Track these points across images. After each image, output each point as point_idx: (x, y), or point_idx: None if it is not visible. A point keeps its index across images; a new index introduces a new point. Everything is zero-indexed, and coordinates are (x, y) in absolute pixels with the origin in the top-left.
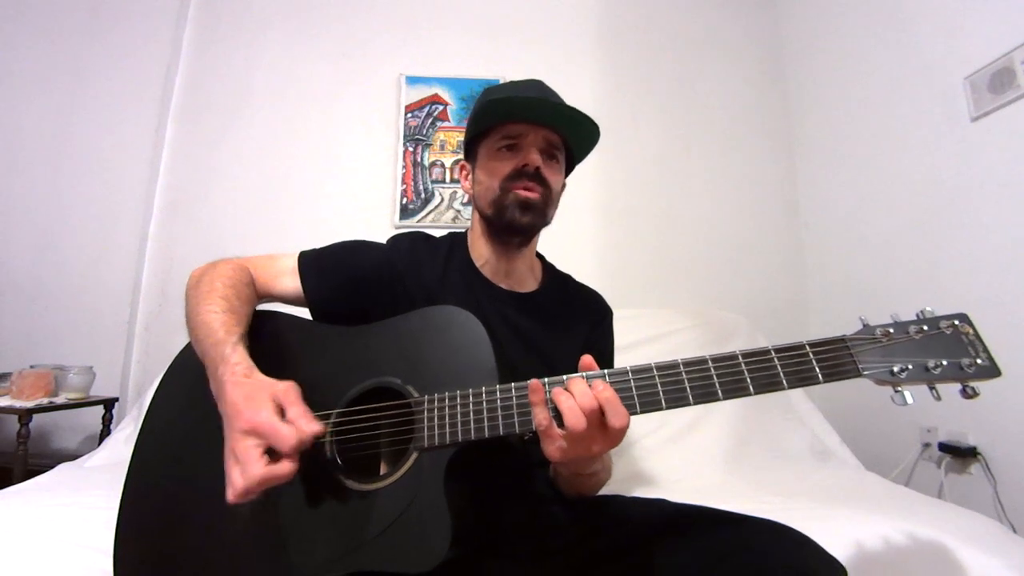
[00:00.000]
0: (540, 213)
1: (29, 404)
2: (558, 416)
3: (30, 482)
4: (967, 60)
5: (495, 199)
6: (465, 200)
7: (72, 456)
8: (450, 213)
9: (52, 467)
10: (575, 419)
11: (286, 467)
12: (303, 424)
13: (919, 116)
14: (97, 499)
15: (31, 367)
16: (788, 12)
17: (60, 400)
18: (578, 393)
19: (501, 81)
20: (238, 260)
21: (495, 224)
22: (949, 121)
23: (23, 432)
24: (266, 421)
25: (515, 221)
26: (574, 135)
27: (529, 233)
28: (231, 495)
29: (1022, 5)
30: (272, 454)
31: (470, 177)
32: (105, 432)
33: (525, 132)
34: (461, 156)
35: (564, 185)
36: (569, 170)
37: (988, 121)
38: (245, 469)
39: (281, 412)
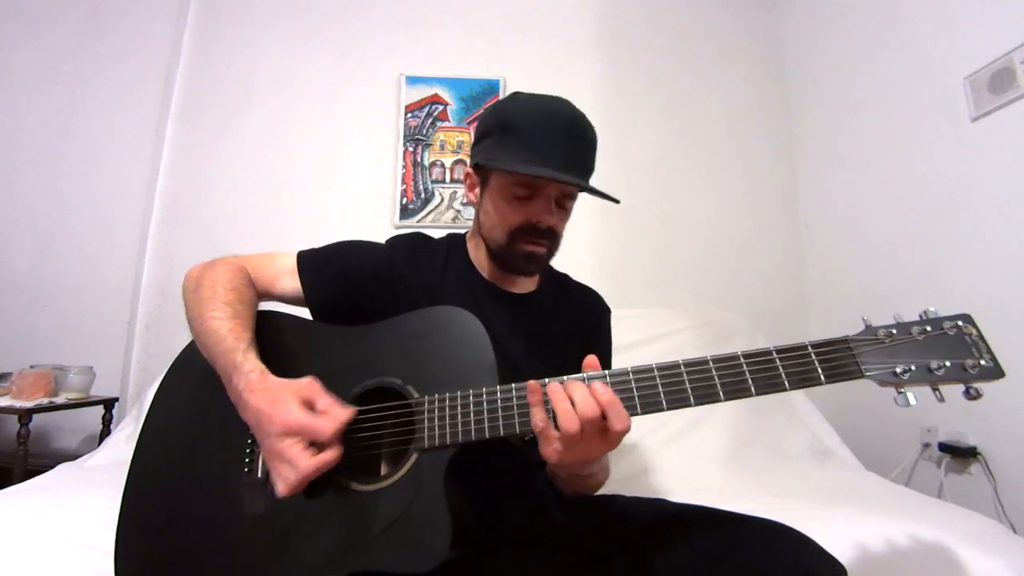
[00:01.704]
0: (545, 262)
1: (29, 404)
2: (555, 417)
3: (30, 482)
4: (967, 60)
5: (501, 246)
6: (465, 201)
7: (72, 456)
8: (450, 213)
9: (52, 467)
10: (569, 423)
11: (333, 453)
12: (336, 412)
13: (919, 116)
14: (97, 499)
15: (31, 367)
16: (788, 12)
17: (60, 400)
18: (579, 400)
19: (501, 81)
20: (235, 260)
21: (498, 263)
22: (949, 121)
23: (23, 432)
24: (301, 418)
25: (520, 271)
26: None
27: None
28: (284, 490)
29: (1022, 5)
30: (312, 446)
31: (476, 191)
32: (105, 432)
33: (543, 185)
34: (461, 156)
35: None
36: None
37: (988, 121)
38: (295, 465)
39: (308, 406)
